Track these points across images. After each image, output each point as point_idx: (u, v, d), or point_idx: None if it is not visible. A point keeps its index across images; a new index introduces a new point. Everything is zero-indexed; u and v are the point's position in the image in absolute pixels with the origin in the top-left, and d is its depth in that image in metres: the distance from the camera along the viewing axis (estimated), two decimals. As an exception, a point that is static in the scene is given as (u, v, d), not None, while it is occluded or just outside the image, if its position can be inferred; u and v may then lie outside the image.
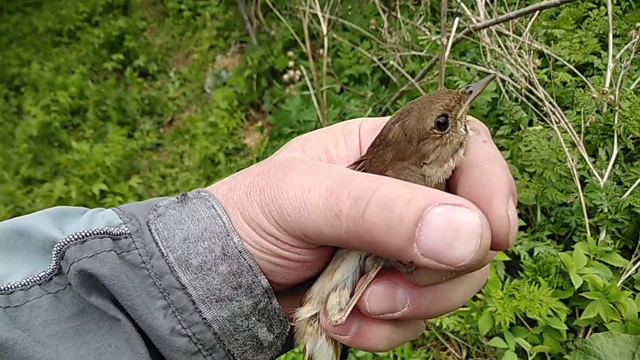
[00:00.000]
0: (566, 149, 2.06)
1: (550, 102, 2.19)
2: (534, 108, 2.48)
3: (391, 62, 3.08)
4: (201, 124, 4.57)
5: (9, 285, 0.48)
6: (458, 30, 2.26)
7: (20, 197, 4.69)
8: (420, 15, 3.17)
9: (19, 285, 0.48)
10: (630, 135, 2.10)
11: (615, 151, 2.10)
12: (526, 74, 2.34)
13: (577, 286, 1.80)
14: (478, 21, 2.20)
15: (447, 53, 2.19)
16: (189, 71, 5.51)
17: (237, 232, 0.51)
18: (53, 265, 0.49)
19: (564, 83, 2.56)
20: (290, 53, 3.69)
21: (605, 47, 2.46)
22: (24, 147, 5.10)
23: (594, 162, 2.13)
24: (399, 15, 3.27)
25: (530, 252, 2.10)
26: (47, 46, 6.73)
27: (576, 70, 2.43)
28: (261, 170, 0.53)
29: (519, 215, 2.21)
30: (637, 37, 2.08)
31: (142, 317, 0.49)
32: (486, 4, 2.39)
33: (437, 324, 2.06)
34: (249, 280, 0.51)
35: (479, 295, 2.04)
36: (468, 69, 2.76)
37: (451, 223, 0.42)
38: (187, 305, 0.49)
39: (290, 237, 0.50)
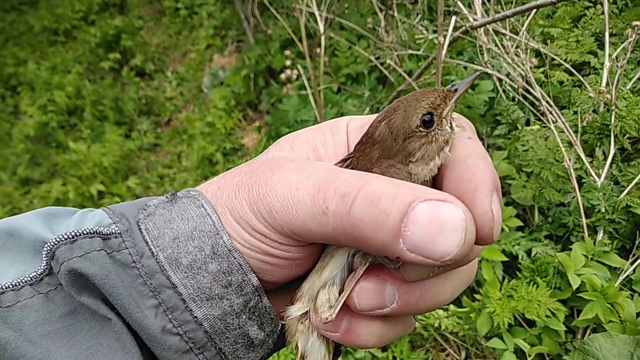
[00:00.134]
0: (563, 149, 2.06)
1: (547, 102, 2.19)
2: (531, 107, 2.48)
3: (388, 61, 3.07)
4: (199, 123, 4.56)
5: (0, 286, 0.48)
6: (455, 29, 2.26)
7: (18, 198, 4.68)
8: (417, 14, 3.16)
9: (10, 286, 0.48)
10: (627, 135, 2.10)
11: (612, 151, 2.10)
12: (523, 73, 2.34)
13: (575, 287, 1.81)
14: (475, 20, 2.19)
15: (444, 52, 2.19)
16: (186, 70, 5.50)
17: (227, 230, 0.51)
18: (44, 266, 0.50)
19: (561, 82, 2.56)
20: (287, 52, 3.68)
21: (601, 46, 2.46)
22: (21, 148, 5.09)
23: (591, 162, 2.13)
24: (396, 14, 3.27)
25: (528, 253, 2.10)
26: (44, 45, 6.70)
27: (573, 70, 2.43)
28: (249, 169, 0.54)
29: (517, 216, 2.22)
30: (634, 36, 2.07)
31: (133, 316, 0.49)
32: (483, 3, 2.39)
33: (436, 325, 2.07)
34: (239, 278, 0.51)
35: (478, 296, 2.05)
36: (465, 68, 2.75)
37: (436, 218, 0.42)
38: (177, 304, 0.50)
39: (279, 234, 0.50)
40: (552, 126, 2.14)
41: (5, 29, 7.23)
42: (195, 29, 5.90)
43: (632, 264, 1.86)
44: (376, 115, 0.56)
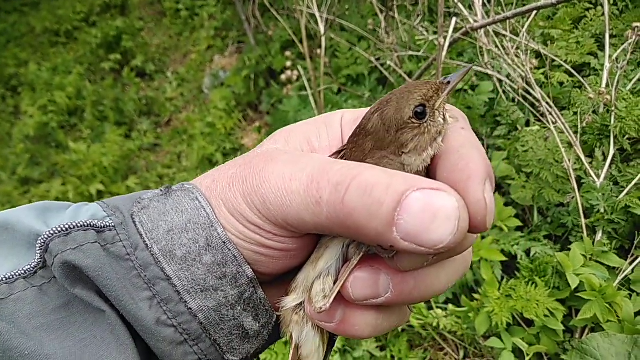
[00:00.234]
0: (563, 150, 2.06)
1: (547, 103, 2.19)
2: (530, 108, 2.48)
3: (388, 62, 3.08)
4: (199, 124, 4.56)
5: None
6: (455, 30, 2.26)
7: (18, 198, 4.68)
8: (418, 16, 3.17)
9: (4, 279, 0.48)
10: (627, 136, 2.10)
11: (612, 151, 2.10)
12: (523, 74, 2.34)
13: (573, 286, 1.80)
14: (475, 21, 2.20)
15: (444, 53, 2.19)
16: (186, 71, 5.51)
17: (221, 222, 0.51)
18: (37, 259, 0.50)
19: (561, 83, 2.56)
20: (287, 53, 3.69)
21: (602, 47, 2.47)
22: (21, 148, 5.09)
23: (590, 163, 2.14)
24: (396, 15, 3.27)
25: (527, 253, 2.10)
26: (45, 46, 6.72)
27: (573, 71, 2.43)
28: (244, 161, 0.54)
29: (516, 216, 2.22)
30: (634, 37, 2.08)
31: (127, 308, 0.49)
32: (483, 4, 2.39)
33: (435, 324, 2.07)
34: (233, 270, 0.51)
35: (476, 296, 2.05)
36: (465, 69, 2.75)
37: (429, 207, 0.43)
38: (172, 296, 0.50)
39: (274, 226, 0.50)
40: (552, 127, 2.14)
41: (7, 30, 7.24)
42: (196, 30, 5.92)
43: (630, 264, 1.86)
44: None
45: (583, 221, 2.00)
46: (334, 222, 0.46)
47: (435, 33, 2.88)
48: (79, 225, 0.50)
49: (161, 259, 0.49)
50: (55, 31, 6.81)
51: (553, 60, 2.51)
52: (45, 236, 0.49)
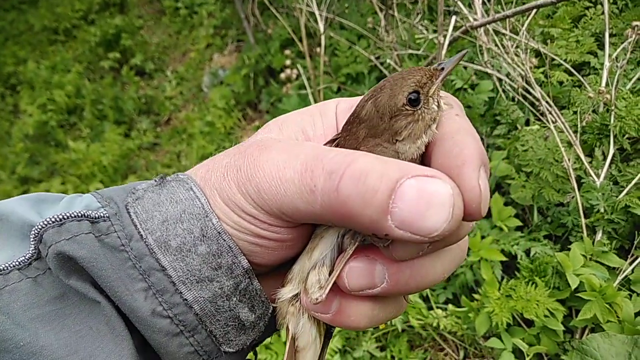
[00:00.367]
0: (563, 149, 2.06)
1: (546, 102, 2.19)
2: (530, 107, 2.48)
3: (388, 60, 3.07)
4: (198, 123, 4.56)
5: None
6: (455, 28, 2.26)
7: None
8: (417, 14, 3.16)
9: None
10: (627, 135, 2.10)
11: (612, 151, 2.10)
12: (523, 73, 2.34)
13: (573, 286, 1.80)
14: (475, 20, 2.19)
15: (444, 52, 2.19)
16: (185, 70, 5.50)
17: (216, 212, 0.51)
18: (32, 250, 0.49)
19: (561, 82, 2.56)
20: (287, 52, 3.68)
21: (601, 46, 2.46)
22: (20, 146, 5.08)
23: (590, 162, 2.13)
24: (396, 13, 3.27)
25: (527, 253, 2.10)
26: (43, 44, 6.70)
27: (573, 70, 2.43)
28: (238, 150, 0.54)
29: (516, 216, 2.21)
30: (634, 36, 2.07)
31: (123, 299, 0.49)
32: (483, 3, 2.39)
33: (435, 324, 2.07)
34: (228, 260, 0.51)
35: (476, 296, 2.05)
36: (465, 67, 2.75)
37: (423, 194, 0.42)
38: (167, 287, 0.50)
39: (268, 215, 0.50)
40: (551, 126, 2.13)
41: (5, 28, 7.23)
42: (195, 28, 5.90)
43: (630, 264, 1.86)
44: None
45: (583, 221, 2.00)
46: (329, 210, 0.46)
47: (435, 31, 2.87)
48: (72, 215, 0.49)
49: (156, 250, 0.49)
50: (54, 29, 6.79)
51: (553, 59, 2.50)
52: (39, 227, 0.49)
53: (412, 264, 0.51)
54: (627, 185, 1.99)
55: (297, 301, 0.57)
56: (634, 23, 2.09)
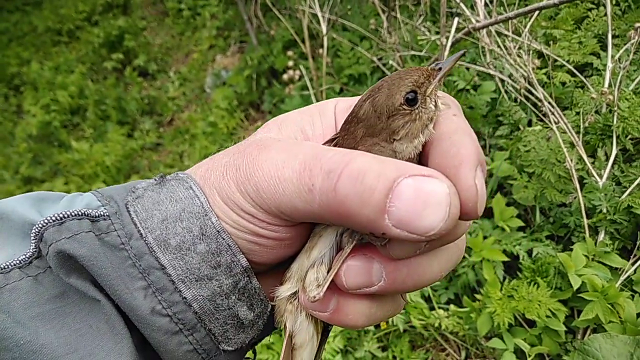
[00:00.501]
0: (565, 150, 2.06)
1: (549, 103, 2.19)
2: (533, 108, 2.48)
3: (391, 62, 3.08)
4: (201, 123, 4.57)
5: None
6: (457, 30, 2.26)
7: (20, 197, 4.69)
8: (420, 15, 3.17)
9: None
10: (629, 136, 2.10)
11: (614, 152, 2.10)
12: (525, 74, 2.34)
13: (575, 287, 1.80)
14: (477, 21, 2.20)
15: (446, 53, 2.20)
16: (188, 71, 5.51)
17: (215, 211, 0.51)
18: (32, 249, 0.50)
19: (563, 83, 2.56)
20: (289, 53, 3.69)
21: (604, 47, 2.46)
22: (24, 147, 5.10)
23: (592, 163, 2.13)
24: (398, 15, 3.27)
25: (529, 253, 2.10)
26: (47, 45, 6.73)
27: (575, 71, 2.43)
28: (237, 149, 0.54)
29: (518, 216, 2.21)
30: (636, 37, 2.07)
31: (122, 297, 0.49)
32: (485, 4, 2.39)
33: (436, 324, 2.07)
34: (227, 259, 0.51)
35: (478, 296, 2.04)
36: (467, 69, 2.76)
37: (420, 193, 0.43)
38: (166, 285, 0.50)
39: (267, 214, 0.50)
40: (554, 127, 2.14)
41: (9, 29, 7.26)
42: (198, 29, 5.92)
43: (633, 264, 1.86)
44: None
45: (585, 221, 2.00)
46: (327, 209, 0.46)
47: (437, 33, 2.88)
48: (73, 214, 0.50)
49: (155, 248, 0.49)
50: (57, 30, 6.82)
51: (555, 60, 2.50)
52: (40, 225, 0.49)
53: (409, 262, 0.51)
54: (629, 186, 1.99)
55: (295, 299, 0.57)
56: (637, 24, 2.09)
